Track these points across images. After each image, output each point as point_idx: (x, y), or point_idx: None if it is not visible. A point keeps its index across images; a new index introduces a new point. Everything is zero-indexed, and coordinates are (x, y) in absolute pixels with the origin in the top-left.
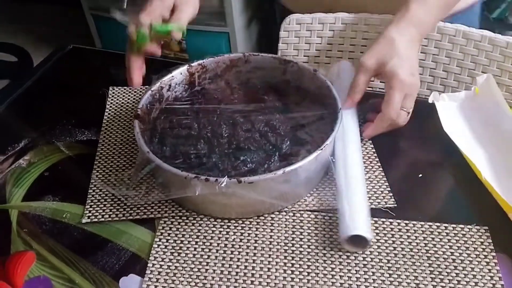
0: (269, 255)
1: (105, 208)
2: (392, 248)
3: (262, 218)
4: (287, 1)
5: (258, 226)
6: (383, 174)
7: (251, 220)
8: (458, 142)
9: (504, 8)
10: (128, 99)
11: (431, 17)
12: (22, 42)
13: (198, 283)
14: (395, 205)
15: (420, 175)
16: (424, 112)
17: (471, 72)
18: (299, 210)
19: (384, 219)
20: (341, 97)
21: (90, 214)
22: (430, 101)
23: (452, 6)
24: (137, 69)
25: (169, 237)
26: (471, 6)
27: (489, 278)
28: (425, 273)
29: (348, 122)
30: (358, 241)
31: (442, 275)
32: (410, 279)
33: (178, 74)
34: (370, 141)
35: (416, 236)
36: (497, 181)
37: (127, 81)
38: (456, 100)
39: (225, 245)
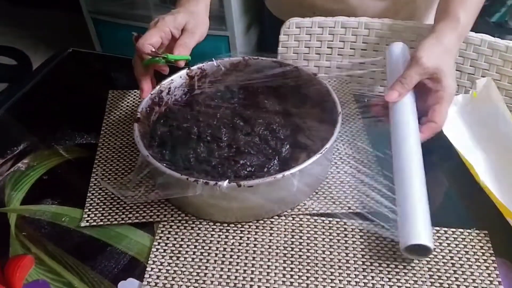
0: (269, 259)
1: (104, 211)
2: (392, 252)
3: (262, 222)
4: (270, 7)
5: (257, 230)
6: (382, 178)
7: (251, 224)
8: (457, 145)
9: (504, 12)
10: (128, 102)
11: (470, 26)
12: (21, 45)
13: (197, 287)
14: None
15: None
16: None
17: (471, 77)
18: (299, 214)
19: (383, 223)
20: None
21: (89, 218)
22: None
23: None
24: (148, 82)
25: (168, 241)
26: None
27: (488, 282)
28: (425, 277)
29: (406, 113)
30: (418, 248)
31: (442, 279)
32: (409, 283)
33: (178, 78)
34: (369, 145)
35: None
36: (496, 184)
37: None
38: (455, 103)
39: (224, 249)
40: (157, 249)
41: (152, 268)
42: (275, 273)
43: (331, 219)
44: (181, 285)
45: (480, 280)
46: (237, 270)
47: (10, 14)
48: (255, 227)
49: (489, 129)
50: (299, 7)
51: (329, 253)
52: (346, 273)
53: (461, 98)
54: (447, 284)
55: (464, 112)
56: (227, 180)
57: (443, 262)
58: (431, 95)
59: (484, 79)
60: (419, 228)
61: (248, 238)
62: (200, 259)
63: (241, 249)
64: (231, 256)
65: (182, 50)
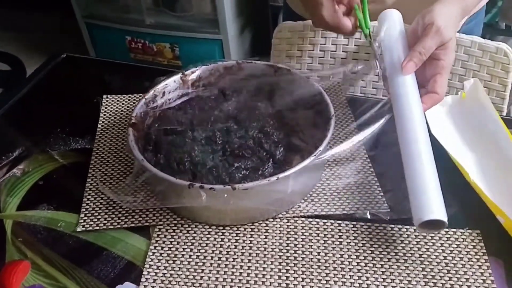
0: (264, 261)
1: (100, 216)
2: (386, 253)
3: (257, 224)
4: (293, 5)
5: (252, 233)
6: (376, 179)
7: (246, 226)
8: (446, 145)
9: (494, 13)
10: (122, 107)
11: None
12: (14, 50)
13: None
14: (388, 210)
15: None
16: None
17: (462, 78)
18: (294, 217)
19: (377, 224)
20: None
21: (85, 223)
22: None
23: None
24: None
25: (164, 245)
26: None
27: (481, 281)
28: (419, 277)
29: (407, 84)
30: (432, 223)
31: (436, 279)
32: (403, 284)
33: (172, 82)
34: (363, 147)
35: (409, 241)
36: (486, 183)
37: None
38: (444, 104)
39: (220, 252)
40: (153, 253)
41: (148, 272)
42: (270, 275)
43: (325, 220)
44: None
45: (473, 279)
46: (233, 272)
47: (3, 18)
48: (250, 229)
49: (478, 129)
50: None
51: (324, 254)
52: (341, 274)
53: (450, 99)
54: (441, 283)
55: (453, 113)
56: (222, 183)
57: (436, 262)
58: (432, 64)
59: (471, 80)
60: (433, 202)
61: (243, 240)
62: (196, 262)
63: (237, 252)
64: (227, 258)
65: None
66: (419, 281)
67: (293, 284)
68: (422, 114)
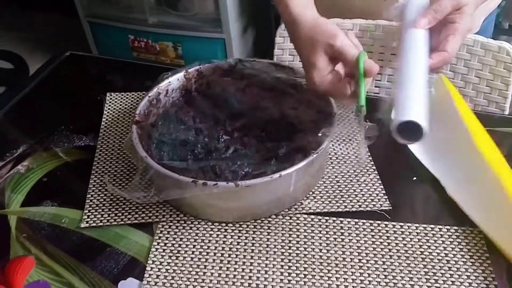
0: (266, 257)
1: (103, 212)
2: (388, 250)
3: (259, 221)
4: None
5: (255, 230)
6: (378, 177)
7: (248, 223)
8: (422, 158)
9: (497, 13)
10: (125, 105)
11: None
12: (17, 49)
13: (196, 286)
14: (390, 208)
15: (415, 178)
16: None
17: (464, 77)
18: (296, 214)
19: (379, 222)
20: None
21: (89, 219)
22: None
23: None
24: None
25: (167, 241)
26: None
27: (482, 279)
28: (420, 274)
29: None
30: (411, 131)
31: (437, 276)
32: (405, 280)
33: (175, 80)
34: (365, 145)
35: (411, 238)
36: (462, 196)
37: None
38: None
39: (223, 249)
40: (157, 249)
41: (151, 268)
42: (273, 271)
43: (327, 217)
44: (181, 284)
45: (474, 276)
46: (235, 269)
47: (6, 18)
48: (253, 226)
49: (446, 132)
50: (334, 7)
51: (326, 251)
52: (343, 271)
53: None
54: (442, 281)
55: None
56: (225, 181)
57: (437, 259)
58: (447, 27)
59: (436, 76)
60: (411, 105)
61: (246, 237)
62: (199, 259)
63: (239, 248)
64: (229, 255)
65: None
66: (421, 278)
67: (295, 281)
68: (426, 59)
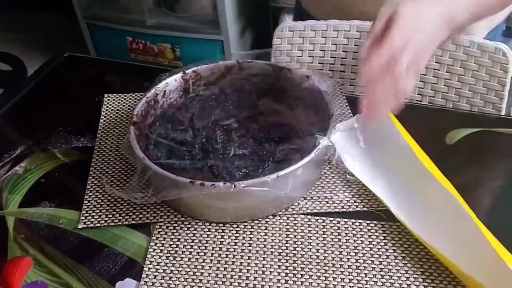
0: (264, 258)
1: (101, 213)
2: (384, 250)
3: (257, 222)
4: (310, 8)
5: (252, 230)
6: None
7: (246, 224)
8: (361, 177)
9: None
10: (123, 106)
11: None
12: (15, 50)
13: (193, 286)
14: (387, 208)
15: None
16: (414, 115)
17: (461, 78)
18: (293, 214)
19: (376, 222)
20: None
21: (86, 220)
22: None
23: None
24: None
25: (164, 242)
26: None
27: None
28: (417, 274)
29: None
30: None
31: (433, 276)
32: (402, 280)
33: (173, 81)
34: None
35: (407, 238)
36: (404, 213)
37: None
38: (350, 127)
39: (220, 249)
40: (154, 250)
41: (149, 268)
42: (270, 272)
43: (324, 218)
44: (178, 284)
45: None
46: (232, 269)
47: (3, 19)
48: (250, 227)
49: (384, 148)
50: (340, 9)
51: (323, 251)
52: (340, 271)
53: (354, 119)
54: (438, 280)
55: (363, 131)
56: (222, 181)
57: (434, 259)
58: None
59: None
60: None
61: (243, 237)
62: (197, 259)
63: (237, 249)
64: (227, 255)
65: None
66: (417, 278)
67: (292, 281)
68: None
